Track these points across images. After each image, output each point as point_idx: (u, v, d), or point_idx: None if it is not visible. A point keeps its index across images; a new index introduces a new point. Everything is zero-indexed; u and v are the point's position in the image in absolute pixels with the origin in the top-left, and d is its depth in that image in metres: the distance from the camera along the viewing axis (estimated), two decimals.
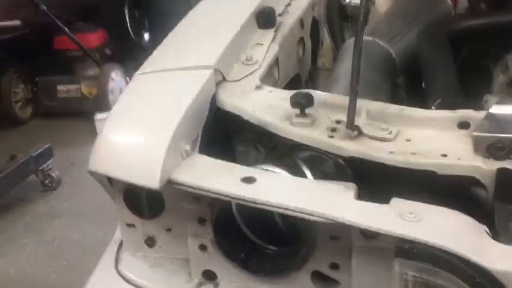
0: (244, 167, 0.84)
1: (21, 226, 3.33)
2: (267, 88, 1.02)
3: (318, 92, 0.97)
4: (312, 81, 1.51)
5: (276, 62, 1.15)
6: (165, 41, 1.16)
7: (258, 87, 1.01)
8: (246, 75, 1.05)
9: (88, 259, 2.86)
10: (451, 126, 0.84)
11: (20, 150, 3.62)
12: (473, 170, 0.78)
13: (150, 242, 0.97)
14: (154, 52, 1.12)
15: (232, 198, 0.78)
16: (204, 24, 1.21)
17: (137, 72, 1.07)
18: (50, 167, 3.70)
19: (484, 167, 0.78)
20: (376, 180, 0.83)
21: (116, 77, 5.02)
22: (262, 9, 1.24)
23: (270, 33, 1.21)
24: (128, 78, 5.26)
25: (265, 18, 1.23)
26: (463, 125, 0.84)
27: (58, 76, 4.81)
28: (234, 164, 0.86)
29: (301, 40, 1.38)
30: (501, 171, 0.76)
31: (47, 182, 3.68)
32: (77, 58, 4.86)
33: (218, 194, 0.78)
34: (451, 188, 0.80)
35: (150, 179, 0.81)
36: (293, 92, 0.97)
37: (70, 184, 3.81)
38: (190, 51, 1.09)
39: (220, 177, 0.81)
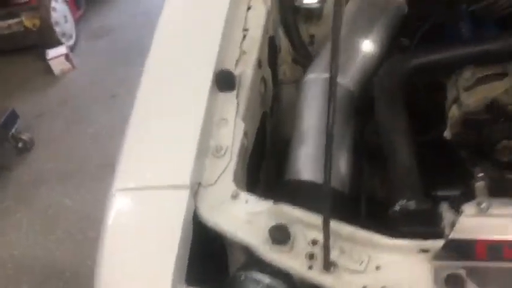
0: None
1: (9, 199, 3.38)
2: (243, 196, 1.01)
3: (294, 210, 0.97)
4: (277, 101, 1.45)
5: (244, 135, 1.12)
6: (133, 136, 1.10)
7: (233, 197, 1.01)
8: (220, 175, 1.04)
9: (85, 226, 3.03)
10: (414, 253, 0.88)
11: None
12: None
13: None
14: (125, 157, 1.07)
15: None
16: (166, 109, 1.14)
17: (115, 187, 1.03)
18: (18, 130, 3.63)
19: None
20: None
21: (56, 4, 4.64)
22: (220, 73, 1.16)
23: (232, 99, 1.15)
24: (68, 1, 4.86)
25: (224, 82, 1.16)
26: (425, 251, 0.88)
27: None
28: None
29: (262, 79, 1.31)
30: None
31: (20, 145, 3.63)
32: None
33: None
34: None
35: None
36: (270, 203, 0.98)
37: (43, 141, 3.77)
38: (163, 160, 1.05)
39: None
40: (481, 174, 0.92)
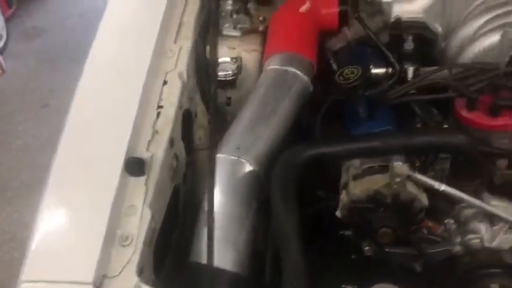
0: None
1: None
2: None
3: None
4: (192, 167, 1.53)
5: (152, 219, 1.19)
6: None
7: None
8: (125, 266, 1.10)
9: (11, 247, 2.99)
10: None
11: None
12: None
13: None
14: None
15: None
16: (77, 198, 1.19)
17: (22, 278, 1.08)
18: None
19: None
20: None
21: None
22: (130, 159, 1.22)
23: (141, 185, 1.22)
24: None
25: (133, 168, 1.22)
26: None
27: None
28: None
29: (174, 156, 1.39)
30: None
31: None
32: None
33: None
34: None
35: None
36: None
37: None
38: (71, 251, 1.10)
39: None
40: None
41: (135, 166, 1.23)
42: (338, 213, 1.33)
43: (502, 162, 1.36)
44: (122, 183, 1.20)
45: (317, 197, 1.60)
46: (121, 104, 1.36)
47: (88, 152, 1.27)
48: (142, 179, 1.23)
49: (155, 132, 1.33)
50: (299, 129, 1.59)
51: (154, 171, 1.26)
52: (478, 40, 1.42)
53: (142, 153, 1.28)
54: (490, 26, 1.41)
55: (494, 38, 1.38)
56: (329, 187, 1.47)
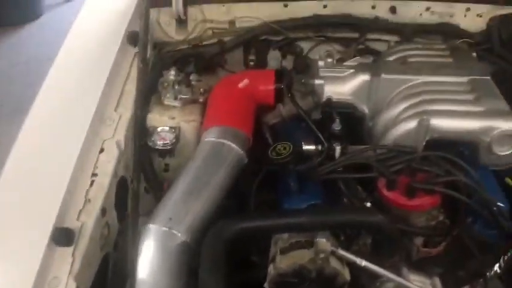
0: None
1: None
2: None
3: None
4: (123, 235, 1.54)
5: None
6: None
7: None
8: None
9: None
10: None
11: None
12: None
13: None
14: None
15: None
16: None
17: None
18: None
19: None
20: None
21: None
22: (57, 229, 1.22)
23: (68, 256, 1.21)
24: None
25: (61, 238, 1.22)
26: None
27: None
28: None
29: (106, 224, 1.39)
30: None
31: None
32: None
33: None
34: None
35: None
36: None
37: None
38: None
39: None
40: None
41: (62, 236, 1.23)
42: (266, 286, 1.37)
43: (418, 240, 1.46)
44: (47, 254, 1.19)
45: (252, 263, 1.63)
46: (54, 170, 1.37)
47: (16, 220, 1.26)
48: (70, 249, 1.23)
49: (87, 201, 1.34)
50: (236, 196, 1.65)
51: (83, 242, 1.26)
52: (399, 124, 1.55)
53: (72, 222, 1.28)
54: (409, 113, 1.54)
55: (413, 124, 1.51)
56: (264, 252, 1.50)
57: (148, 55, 1.82)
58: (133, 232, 1.41)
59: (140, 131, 1.61)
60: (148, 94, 1.71)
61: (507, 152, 1.51)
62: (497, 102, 1.54)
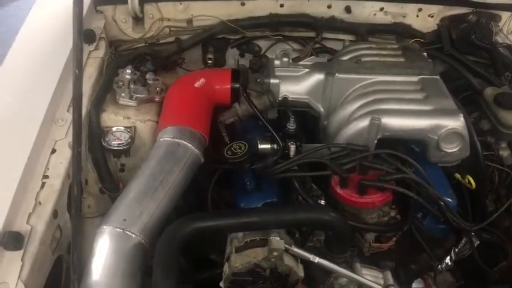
0: None
1: None
2: None
3: None
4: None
5: None
6: None
7: None
8: None
9: None
10: None
11: None
12: None
13: None
14: None
15: None
16: None
17: None
18: None
19: None
20: None
21: None
22: (5, 234, 1.19)
23: (17, 260, 1.19)
24: None
25: (10, 242, 1.19)
26: None
27: None
28: None
29: (58, 227, 1.37)
30: None
31: None
32: None
33: None
34: None
35: None
36: None
37: None
38: None
39: None
40: None
41: (11, 240, 1.20)
42: (222, 285, 1.38)
43: (370, 236, 1.50)
44: None
45: (211, 262, 1.64)
46: (3, 172, 1.33)
47: None
48: (19, 253, 1.21)
49: (38, 204, 1.32)
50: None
51: (33, 245, 1.24)
52: (352, 123, 1.58)
53: (22, 225, 1.26)
54: (361, 112, 1.58)
55: (365, 123, 1.55)
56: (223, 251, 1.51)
57: (103, 54, 1.80)
58: (77, 234, 1.38)
59: (94, 130, 1.59)
60: (103, 93, 1.69)
61: (455, 149, 1.56)
62: (445, 101, 1.59)
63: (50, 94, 1.53)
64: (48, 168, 1.40)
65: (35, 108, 1.50)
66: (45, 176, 1.38)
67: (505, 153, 1.78)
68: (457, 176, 1.64)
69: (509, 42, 1.98)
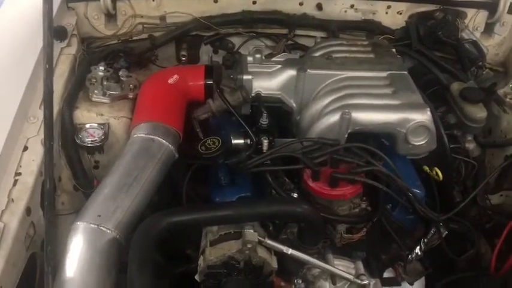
0: None
1: None
2: None
3: None
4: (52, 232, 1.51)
5: None
6: None
7: None
8: None
9: None
10: None
11: None
12: None
13: None
14: None
15: None
16: None
17: None
18: None
19: None
20: None
21: None
22: None
23: None
24: None
25: None
26: None
27: None
28: None
29: (31, 224, 1.36)
30: None
31: None
32: None
33: None
34: None
35: None
36: None
37: None
38: None
39: None
40: None
41: None
42: (197, 277, 1.40)
43: (342, 227, 1.54)
44: None
45: (187, 257, 1.66)
46: None
47: None
48: None
49: (10, 201, 1.31)
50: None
51: (6, 242, 1.23)
52: (323, 117, 1.62)
53: None
54: (332, 107, 1.62)
55: (336, 117, 1.59)
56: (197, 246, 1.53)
57: (75, 51, 1.80)
58: (50, 229, 1.37)
59: (67, 127, 1.59)
60: (75, 90, 1.68)
61: (422, 142, 1.62)
62: (413, 95, 1.65)
63: (21, 91, 1.52)
64: (20, 166, 1.40)
65: (6, 105, 1.49)
66: (18, 173, 1.38)
67: (471, 145, 1.85)
68: (425, 168, 1.69)
69: (474, 39, 2.04)
